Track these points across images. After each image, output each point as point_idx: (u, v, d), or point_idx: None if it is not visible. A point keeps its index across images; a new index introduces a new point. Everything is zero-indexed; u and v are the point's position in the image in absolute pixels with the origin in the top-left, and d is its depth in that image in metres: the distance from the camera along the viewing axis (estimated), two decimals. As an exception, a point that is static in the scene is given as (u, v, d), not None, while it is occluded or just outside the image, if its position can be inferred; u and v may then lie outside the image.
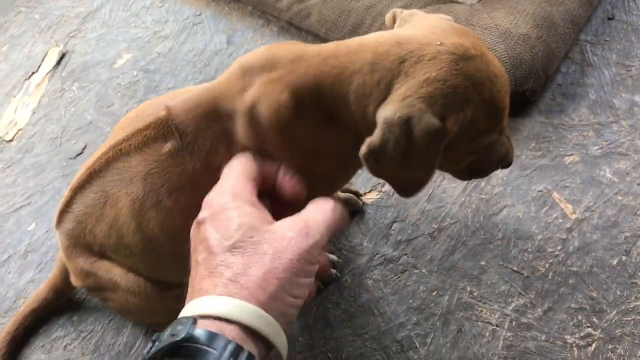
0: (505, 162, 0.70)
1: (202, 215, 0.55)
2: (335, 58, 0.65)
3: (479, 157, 0.67)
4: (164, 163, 0.72)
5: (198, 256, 0.53)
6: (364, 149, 0.61)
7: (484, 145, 0.63)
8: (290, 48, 0.70)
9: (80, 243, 0.83)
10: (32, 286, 1.13)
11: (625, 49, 1.21)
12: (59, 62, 1.46)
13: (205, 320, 0.46)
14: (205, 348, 0.43)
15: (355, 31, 1.24)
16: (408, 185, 0.68)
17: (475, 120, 0.59)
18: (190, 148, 0.71)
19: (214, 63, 1.37)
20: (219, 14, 1.47)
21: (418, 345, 0.95)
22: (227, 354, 0.43)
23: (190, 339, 0.44)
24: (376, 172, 0.63)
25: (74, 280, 0.90)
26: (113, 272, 0.83)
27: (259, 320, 0.47)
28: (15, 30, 1.56)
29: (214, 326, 0.46)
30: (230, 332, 0.45)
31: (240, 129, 0.69)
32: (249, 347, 0.45)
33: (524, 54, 1.10)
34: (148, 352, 0.46)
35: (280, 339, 0.48)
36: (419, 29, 0.65)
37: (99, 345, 1.04)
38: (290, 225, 0.53)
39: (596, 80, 1.17)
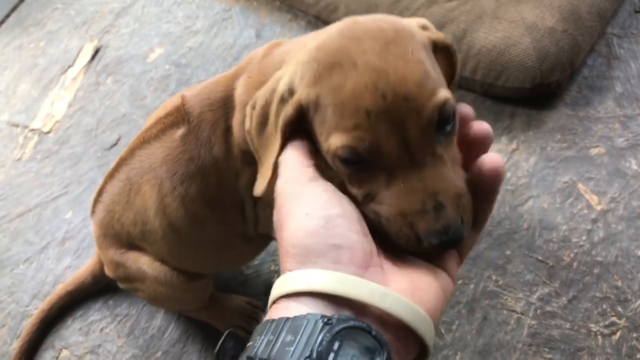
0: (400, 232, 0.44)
1: None
2: (287, 53, 0.60)
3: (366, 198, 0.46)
4: (176, 149, 0.74)
5: None
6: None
7: (336, 154, 0.45)
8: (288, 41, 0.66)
9: (110, 233, 0.86)
10: (69, 272, 1.17)
11: (653, 41, 1.21)
12: (93, 57, 1.51)
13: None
14: None
15: (382, 25, 1.26)
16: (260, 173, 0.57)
17: (324, 108, 0.45)
18: (195, 132, 0.72)
19: (243, 56, 1.39)
20: (247, 8, 1.50)
21: (443, 332, 0.97)
22: None
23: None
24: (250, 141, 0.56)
25: (107, 270, 0.93)
26: (141, 262, 0.86)
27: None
28: (52, 25, 1.61)
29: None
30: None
31: (235, 118, 0.69)
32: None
33: (550, 46, 1.11)
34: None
35: None
36: None
37: (133, 328, 1.09)
38: None
39: (622, 73, 1.17)
